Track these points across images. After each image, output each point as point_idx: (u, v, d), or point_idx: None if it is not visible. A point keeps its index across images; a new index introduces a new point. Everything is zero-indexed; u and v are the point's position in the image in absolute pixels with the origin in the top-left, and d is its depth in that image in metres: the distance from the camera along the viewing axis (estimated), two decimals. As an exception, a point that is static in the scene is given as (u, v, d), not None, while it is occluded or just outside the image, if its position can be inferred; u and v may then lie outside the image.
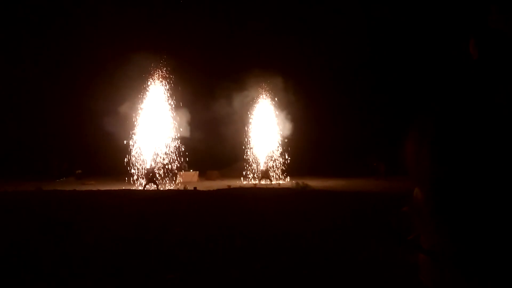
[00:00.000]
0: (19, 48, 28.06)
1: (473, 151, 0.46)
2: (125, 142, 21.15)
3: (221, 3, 31.19)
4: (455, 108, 0.52)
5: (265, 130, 26.46)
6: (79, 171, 25.38)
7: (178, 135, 22.40)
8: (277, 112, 26.52)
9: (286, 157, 26.20)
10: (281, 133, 26.30)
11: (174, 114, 22.53)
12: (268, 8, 30.97)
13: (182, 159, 22.87)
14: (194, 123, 23.74)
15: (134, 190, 18.44)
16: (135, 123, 21.79)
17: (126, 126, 21.54)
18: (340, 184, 20.35)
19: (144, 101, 22.19)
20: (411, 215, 0.58)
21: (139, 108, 21.98)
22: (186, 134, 22.76)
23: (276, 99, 26.49)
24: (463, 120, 0.49)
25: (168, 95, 22.59)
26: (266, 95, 26.75)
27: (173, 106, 22.55)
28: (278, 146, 26.43)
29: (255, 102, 26.65)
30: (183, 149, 22.72)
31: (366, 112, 31.27)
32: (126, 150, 21.52)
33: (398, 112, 27.22)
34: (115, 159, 22.54)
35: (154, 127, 22.00)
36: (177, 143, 22.62)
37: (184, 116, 22.76)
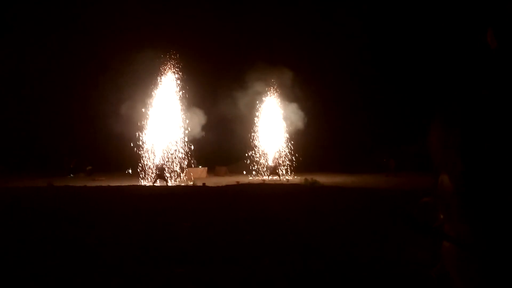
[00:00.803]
0: (30, 47, 28.39)
1: (507, 140, 0.44)
2: (133, 145, 21.33)
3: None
4: (485, 95, 0.49)
5: (274, 126, 26.39)
6: (90, 167, 25.69)
7: (188, 130, 22.49)
8: (286, 108, 26.43)
9: (295, 153, 26.14)
10: (290, 128, 26.23)
11: (184, 111, 22.61)
12: (277, 5, 30.82)
13: (192, 155, 22.95)
14: (203, 120, 23.82)
15: (144, 186, 18.59)
16: (145, 120, 21.93)
17: (136, 123, 21.72)
18: (349, 180, 20.22)
19: (154, 97, 22.30)
20: (435, 204, 0.56)
21: (148, 105, 22.10)
22: (196, 131, 22.85)
23: (285, 95, 26.40)
24: (495, 107, 0.47)
25: (177, 90, 22.64)
26: (275, 91, 26.66)
27: (182, 102, 22.62)
28: (287, 142, 26.37)
29: (263, 98, 26.59)
30: (192, 146, 22.80)
31: (376, 108, 30.99)
32: (136, 147, 21.70)
33: (409, 108, 26.94)
34: (125, 155, 22.74)
35: (164, 124, 22.09)
36: (186, 140, 22.72)
37: (193, 113, 22.83)
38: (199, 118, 23.21)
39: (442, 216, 0.56)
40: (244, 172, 25.49)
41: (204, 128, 23.70)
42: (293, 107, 26.19)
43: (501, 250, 0.44)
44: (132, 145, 21.37)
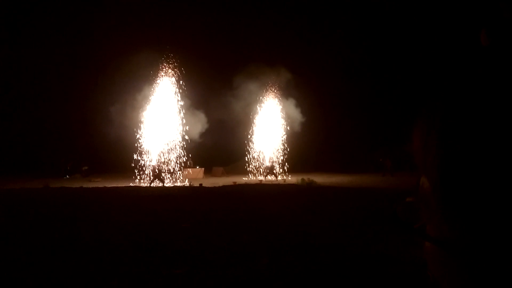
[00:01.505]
0: (29, 49, 28.26)
1: (483, 139, 0.46)
2: (130, 146, 21.32)
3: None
4: (464, 94, 0.51)
5: (271, 126, 26.42)
6: (86, 167, 25.64)
7: (185, 130, 22.47)
8: (283, 108, 26.48)
9: (291, 153, 26.18)
10: (287, 128, 26.29)
11: (181, 111, 22.59)
12: (275, 6, 30.86)
13: (189, 155, 22.92)
14: (200, 121, 23.82)
15: (140, 187, 18.55)
16: (142, 120, 21.90)
17: (133, 124, 21.70)
18: (346, 180, 20.29)
19: (151, 98, 22.26)
20: (416, 204, 0.58)
21: (145, 106, 22.08)
22: (194, 132, 22.86)
23: (282, 95, 26.45)
24: (473, 106, 0.48)
25: (175, 91, 22.61)
26: (272, 91, 26.69)
27: (179, 103, 22.59)
28: (284, 143, 26.41)
29: (261, 98, 26.62)
30: (187, 147, 22.79)
31: (373, 108, 31.11)
32: (133, 148, 21.67)
33: (405, 108, 27.07)
34: (122, 156, 22.71)
35: (161, 125, 22.06)
36: (183, 141, 22.70)
37: (192, 114, 22.84)
38: (198, 119, 23.22)
39: (424, 217, 0.58)
40: (243, 174, 25.49)
41: (202, 129, 23.71)
42: (291, 107, 26.25)
43: (481, 250, 0.47)
44: (130, 145, 21.36)
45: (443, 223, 0.54)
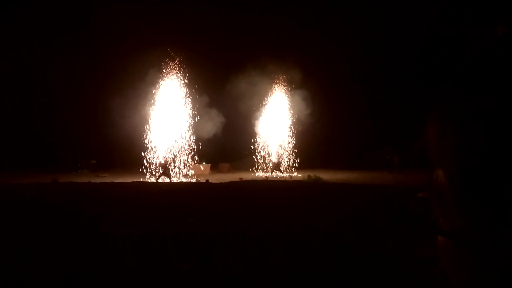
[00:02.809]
0: (36, 46, 28.54)
1: (503, 131, 0.43)
2: (138, 142, 21.47)
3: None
4: (483, 85, 0.48)
5: (277, 122, 26.36)
6: (94, 161, 25.91)
7: (191, 124, 22.53)
8: (290, 105, 26.39)
9: (298, 149, 26.13)
10: (294, 125, 26.23)
11: (188, 108, 22.63)
12: (285, 4, 30.67)
13: (196, 152, 22.96)
14: (206, 117, 23.85)
15: (147, 182, 18.65)
16: (150, 116, 21.99)
17: (142, 121, 21.84)
18: (353, 177, 20.19)
19: (159, 95, 22.29)
20: (428, 199, 0.56)
21: (153, 102, 22.14)
22: (206, 130, 22.96)
23: (290, 92, 26.36)
24: (492, 97, 0.46)
25: (181, 86, 22.61)
26: (280, 87, 26.59)
27: (187, 98, 22.62)
28: (290, 139, 26.35)
29: (268, 94, 26.54)
30: (195, 143, 22.82)
31: (381, 105, 30.84)
32: (141, 143, 21.80)
33: (413, 105, 26.81)
34: (130, 152, 22.85)
35: (168, 121, 22.12)
36: (190, 137, 22.74)
37: (204, 113, 22.91)
38: (209, 117, 23.28)
39: (437, 211, 0.56)
40: (249, 171, 25.49)
41: (213, 127, 23.75)
42: (299, 104, 26.15)
43: (496, 244, 0.44)
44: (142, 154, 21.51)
45: (458, 217, 0.52)
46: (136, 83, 22.59)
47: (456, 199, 0.49)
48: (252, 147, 26.19)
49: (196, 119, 22.55)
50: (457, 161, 0.49)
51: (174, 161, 22.01)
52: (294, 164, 25.95)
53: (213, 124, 24.06)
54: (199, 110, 22.94)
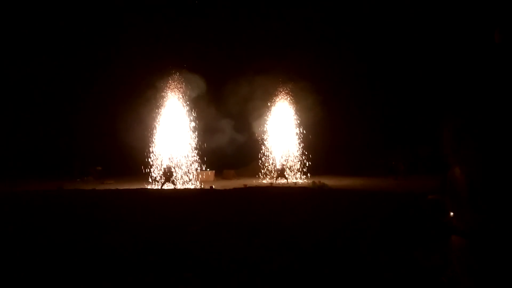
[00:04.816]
0: (42, 52, 28.82)
1: None
2: (142, 149, 21.63)
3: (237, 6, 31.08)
4: (494, 95, 0.47)
5: (282, 129, 26.36)
6: (99, 167, 26.02)
7: (195, 130, 22.63)
8: (295, 109, 26.45)
9: (303, 156, 26.08)
10: (300, 132, 26.24)
11: (191, 116, 22.74)
12: (287, 10, 30.74)
13: (202, 159, 22.99)
14: (210, 123, 23.92)
15: (152, 189, 18.67)
16: (156, 123, 22.15)
17: (146, 129, 22.01)
18: (358, 183, 20.07)
19: (162, 101, 22.43)
20: (442, 199, 0.55)
21: (158, 108, 22.29)
22: (216, 140, 23.17)
23: (294, 97, 26.40)
24: (505, 106, 0.45)
25: (186, 99, 22.76)
26: (283, 93, 26.63)
27: (189, 107, 22.73)
28: (295, 145, 26.32)
29: (271, 101, 26.59)
30: (199, 149, 22.85)
31: (386, 110, 30.69)
32: (146, 150, 21.91)
33: (420, 110, 26.68)
34: (135, 159, 22.94)
35: (172, 128, 22.22)
36: (195, 143, 22.78)
37: (202, 119, 23.02)
38: (216, 128, 23.50)
39: (451, 213, 0.55)
40: (254, 177, 25.46)
41: (211, 131, 23.84)
42: (302, 110, 26.15)
43: (508, 239, 0.43)
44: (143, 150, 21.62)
45: (475, 215, 0.51)
46: (140, 90, 22.76)
47: (474, 198, 0.48)
48: (256, 154, 26.20)
49: (197, 128, 22.71)
50: (477, 161, 0.48)
51: (179, 167, 22.05)
52: (298, 171, 25.87)
53: (221, 134, 24.22)
54: (205, 120, 23.11)
